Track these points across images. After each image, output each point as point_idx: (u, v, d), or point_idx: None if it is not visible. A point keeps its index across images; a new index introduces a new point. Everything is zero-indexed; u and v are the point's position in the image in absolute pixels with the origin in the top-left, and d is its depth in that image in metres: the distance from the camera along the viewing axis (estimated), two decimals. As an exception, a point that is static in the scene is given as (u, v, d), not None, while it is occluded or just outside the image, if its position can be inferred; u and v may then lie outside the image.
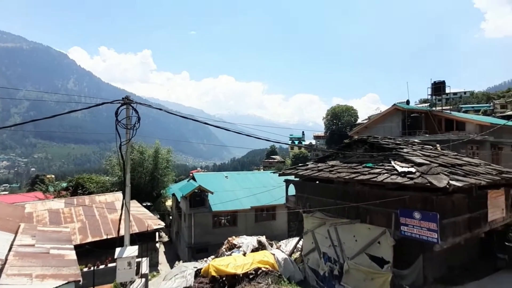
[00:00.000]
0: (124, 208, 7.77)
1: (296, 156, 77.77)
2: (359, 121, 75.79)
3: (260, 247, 15.30)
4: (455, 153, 14.40)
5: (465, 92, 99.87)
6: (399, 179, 9.31)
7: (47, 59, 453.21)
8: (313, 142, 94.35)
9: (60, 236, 8.10)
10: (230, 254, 14.24)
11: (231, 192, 21.63)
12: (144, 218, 18.15)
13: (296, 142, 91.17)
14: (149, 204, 24.36)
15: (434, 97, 26.46)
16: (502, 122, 22.15)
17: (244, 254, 13.44)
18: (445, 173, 9.16)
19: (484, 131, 18.76)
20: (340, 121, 79.44)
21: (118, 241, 8.26)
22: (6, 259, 5.37)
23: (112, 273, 9.39)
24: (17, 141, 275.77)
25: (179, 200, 22.35)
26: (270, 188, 20.99)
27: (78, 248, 9.71)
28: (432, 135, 20.42)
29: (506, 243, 11.79)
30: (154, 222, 18.30)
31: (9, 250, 5.88)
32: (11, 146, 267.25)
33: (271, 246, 15.99)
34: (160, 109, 9.18)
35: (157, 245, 19.72)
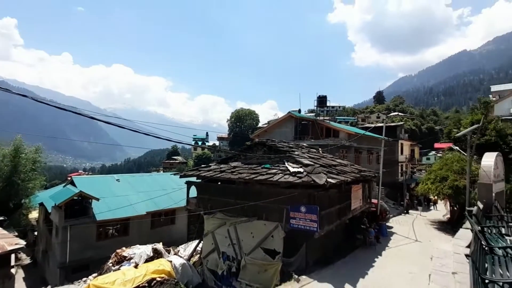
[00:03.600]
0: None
1: (199, 157, 76.83)
2: (260, 125, 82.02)
3: (156, 255, 14.11)
4: (331, 156, 17.49)
5: (339, 106, 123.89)
6: (291, 178, 10.50)
7: None
8: (217, 143, 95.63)
9: None
10: (119, 268, 12.48)
11: (123, 197, 19.09)
12: (-9, 237, 13.62)
13: (200, 143, 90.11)
14: (1, 218, 18.51)
15: (318, 108, 31.51)
16: (362, 132, 28.55)
17: (136, 266, 12.05)
18: (324, 172, 10.94)
19: (351, 139, 23.66)
20: (243, 124, 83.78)
21: None
22: None
23: None
24: None
25: (50, 211, 18.02)
26: (170, 191, 19.73)
27: None
28: (316, 140, 24.18)
29: (362, 226, 15.15)
30: (8, 241, 13.90)
31: None
32: None
33: (169, 253, 15.01)
34: (24, 96, 7.00)
35: (13, 270, 15.15)
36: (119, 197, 18.96)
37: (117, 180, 21.69)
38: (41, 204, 22.37)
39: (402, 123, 43.23)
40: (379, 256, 13.09)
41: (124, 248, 14.41)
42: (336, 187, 11.76)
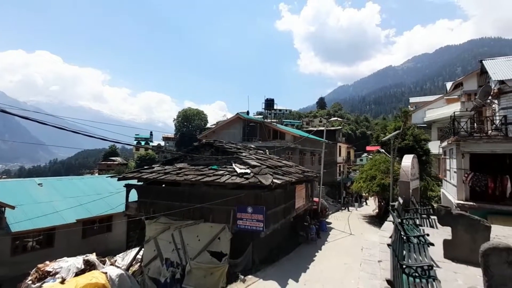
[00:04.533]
0: None
1: (142, 158, 71.59)
2: (208, 125, 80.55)
3: (88, 267, 12.59)
4: (278, 157, 18.18)
5: (286, 110, 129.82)
6: (238, 180, 10.55)
7: None
8: (162, 143, 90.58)
9: None
10: (41, 286, 10.79)
11: (47, 204, 16.59)
12: None
13: (143, 143, 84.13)
14: None
15: (266, 110, 32.47)
16: (306, 135, 30.41)
17: (63, 282, 10.58)
18: (271, 173, 11.31)
19: (296, 141, 24.98)
20: (191, 124, 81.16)
21: None
22: None
23: None
24: None
25: None
26: (105, 195, 17.88)
27: None
28: (264, 142, 24.86)
29: (304, 223, 16.11)
30: None
31: None
32: None
33: (103, 264, 13.58)
34: None
35: None
36: (41, 204, 16.44)
37: (39, 184, 18.76)
38: None
39: (340, 127, 47.48)
40: (319, 251, 14.07)
41: (47, 262, 12.50)
42: (282, 187, 12.26)
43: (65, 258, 13.00)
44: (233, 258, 10.97)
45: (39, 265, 12.28)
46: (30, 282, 11.57)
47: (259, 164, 12.08)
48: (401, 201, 10.88)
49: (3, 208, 14.23)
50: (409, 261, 4.83)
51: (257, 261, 11.61)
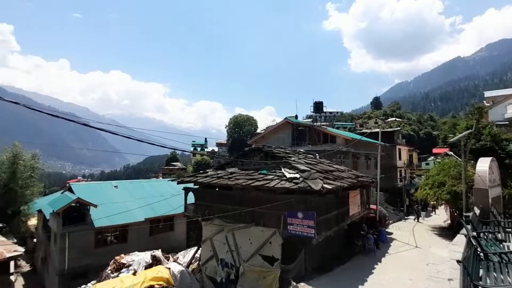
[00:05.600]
0: None
1: (198, 163, 76.63)
2: (258, 130, 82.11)
3: (155, 262, 14.03)
4: (329, 161, 17.56)
5: (337, 112, 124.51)
6: (287, 184, 10.55)
7: None
8: (216, 149, 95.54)
9: None
10: (118, 276, 12.41)
11: (121, 204, 19.04)
12: (-11, 245, 13.52)
13: (199, 149, 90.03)
14: (0, 225, 18.42)
15: (315, 114, 31.73)
16: (359, 137, 28.70)
17: (135, 273, 11.98)
18: (321, 178, 11.01)
19: (348, 144, 23.79)
20: (241, 129, 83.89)
21: None
22: None
23: None
24: None
25: (48, 218, 17.95)
26: (168, 197, 19.70)
27: None
28: (314, 146, 24.30)
29: (361, 232, 15.14)
30: (7, 248, 13.84)
31: None
32: None
33: (167, 260, 14.93)
34: (16, 103, 7.01)
35: (12, 277, 15.01)
36: (117, 204, 18.91)
37: (115, 186, 21.66)
38: (40, 211, 22.28)
39: (399, 128, 43.51)
40: (378, 263, 13.05)
41: (122, 255, 14.34)
42: (333, 192, 11.81)
43: (136, 253, 14.71)
44: (284, 263, 10.94)
45: (116, 257, 14.14)
46: (109, 271, 13.39)
47: (308, 169, 11.87)
48: (477, 211, 9.46)
49: (88, 207, 16.84)
50: (487, 281, 4.20)
51: (310, 269, 11.35)
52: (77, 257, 16.14)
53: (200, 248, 14.24)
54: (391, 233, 18.94)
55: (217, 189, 14.24)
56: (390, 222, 22.25)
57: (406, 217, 26.54)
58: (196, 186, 14.76)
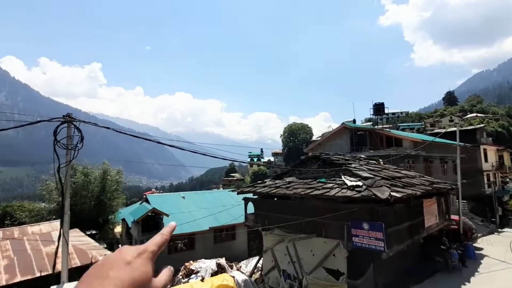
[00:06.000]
0: (61, 239, 6.89)
1: (256, 173, 78.35)
2: (313, 138, 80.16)
3: (220, 270, 14.70)
4: (395, 167, 16.02)
5: (401, 112, 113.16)
6: (349, 193, 9.97)
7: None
8: (272, 159, 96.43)
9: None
10: (188, 281, 13.36)
11: (188, 213, 20.67)
12: (87, 248, 16.13)
13: (255, 160, 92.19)
14: (94, 232, 21.84)
15: (375, 116, 29.48)
16: (431, 138, 25.51)
17: (202, 280, 12.74)
18: (387, 185, 10.10)
19: (417, 147, 21.34)
20: (296, 138, 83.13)
21: (54, 278, 7.22)
22: None
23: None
24: None
25: (130, 226, 20.58)
26: (229, 207, 20.62)
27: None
28: (376, 151, 22.51)
29: (442, 247, 13.23)
30: (99, 252, 16.36)
31: None
32: None
33: (231, 268, 15.47)
34: (107, 128, 8.54)
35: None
36: (184, 213, 20.58)
37: (182, 197, 23.69)
38: (123, 220, 25.74)
39: (483, 125, 37.22)
40: (466, 283, 11.19)
41: (191, 261, 15.45)
42: (403, 201, 10.68)
43: (203, 260, 15.65)
44: (351, 278, 10.24)
45: (186, 264, 15.28)
46: (181, 277, 14.51)
47: (372, 176, 11.03)
48: None
49: (161, 216, 18.75)
50: None
51: (380, 285, 10.37)
52: (154, 261, 17.98)
53: (262, 258, 14.37)
54: (481, 249, 16.08)
55: (275, 198, 14.31)
56: (479, 235, 18.88)
57: (500, 230, 22.17)
58: (255, 196, 15.10)
